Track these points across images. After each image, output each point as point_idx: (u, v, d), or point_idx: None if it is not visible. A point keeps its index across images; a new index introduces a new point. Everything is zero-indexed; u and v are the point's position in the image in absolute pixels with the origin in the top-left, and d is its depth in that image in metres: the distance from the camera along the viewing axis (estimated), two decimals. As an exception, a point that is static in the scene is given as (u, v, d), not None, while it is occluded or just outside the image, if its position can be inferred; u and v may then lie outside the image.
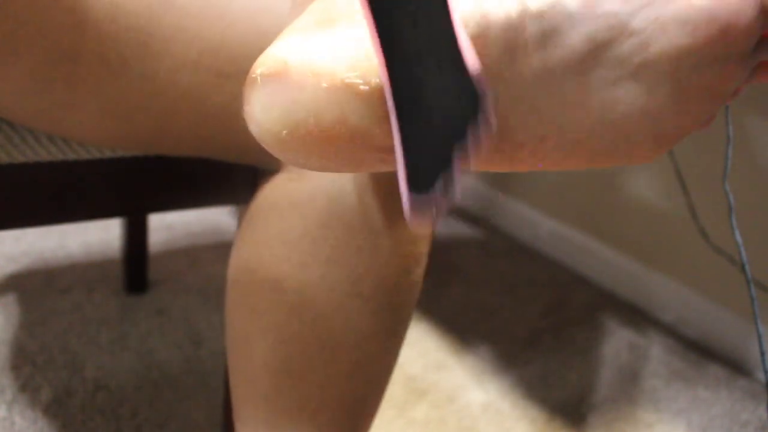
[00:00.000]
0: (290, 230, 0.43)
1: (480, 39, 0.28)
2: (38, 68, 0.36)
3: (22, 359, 0.90)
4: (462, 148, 0.26)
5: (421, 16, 0.25)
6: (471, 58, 0.26)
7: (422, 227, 0.26)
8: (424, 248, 0.46)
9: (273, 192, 0.45)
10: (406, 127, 0.26)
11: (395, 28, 0.25)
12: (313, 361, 0.44)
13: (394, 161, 0.29)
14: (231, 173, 0.54)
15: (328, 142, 0.28)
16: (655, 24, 0.29)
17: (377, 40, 0.25)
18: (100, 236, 1.25)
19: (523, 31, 0.28)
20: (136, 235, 1.05)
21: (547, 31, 0.29)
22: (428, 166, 0.26)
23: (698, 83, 0.30)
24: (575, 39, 0.29)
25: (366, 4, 0.25)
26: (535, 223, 1.51)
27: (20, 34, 0.34)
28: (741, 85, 0.32)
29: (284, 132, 0.28)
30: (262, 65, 0.28)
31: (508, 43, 0.28)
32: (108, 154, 0.48)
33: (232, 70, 0.39)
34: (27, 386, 0.85)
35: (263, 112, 0.28)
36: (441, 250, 1.42)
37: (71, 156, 0.47)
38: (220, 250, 1.26)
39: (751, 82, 0.32)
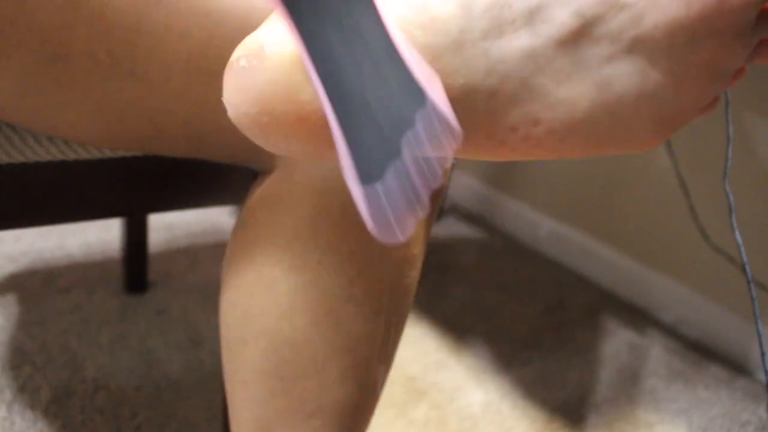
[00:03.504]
0: (282, 232, 0.43)
1: (464, 15, 0.28)
2: (29, 68, 0.36)
3: (22, 359, 0.90)
4: (411, 135, 0.25)
5: (345, 19, 0.25)
6: (406, 51, 0.25)
7: (382, 229, 0.25)
8: (418, 250, 0.45)
9: (264, 193, 0.44)
10: (345, 122, 0.25)
11: (319, 31, 0.25)
12: (306, 365, 0.44)
13: None
14: (231, 173, 0.54)
15: (304, 123, 0.28)
16: None
17: (301, 44, 0.25)
18: (100, 236, 1.25)
19: (510, 6, 0.28)
20: (136, 235, 1.05)
21: (534, 7, 0.28)
22: (375, 156, 0.25)
23: (695, 60, 0.29)
24: (564, 14, 0.28)
25: (284, 12, 0.24)
26: (535, 223, 1.51)
27: (10, 34, 0.34)
28: (742, 65, 0.31)
29: (261, 113, 0.28)
30: (239, 49, 0.28)
31: (493, 19, 0.28)
32: (108, 154, 0.48)
33: (221, 69, 0.39)
34: (27, 386, 0.85)
35: (240, 95, 0.28)
36: (441, 250, 1.42)
37: (71, 156, 0.47)
38: (220, 250, 1.26)
39: (752, 63, 0.31)
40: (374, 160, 0.25)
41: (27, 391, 0.84)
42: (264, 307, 0.43)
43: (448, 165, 0.26)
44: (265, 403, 0.45)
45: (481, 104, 0.28)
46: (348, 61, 0.25)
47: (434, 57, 0.28)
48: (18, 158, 0.45)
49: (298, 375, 0.44)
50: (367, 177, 0.25)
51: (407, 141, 0.25)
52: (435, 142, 0.25)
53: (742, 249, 0.47)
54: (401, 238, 0.25)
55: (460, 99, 0.28)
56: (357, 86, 0.25)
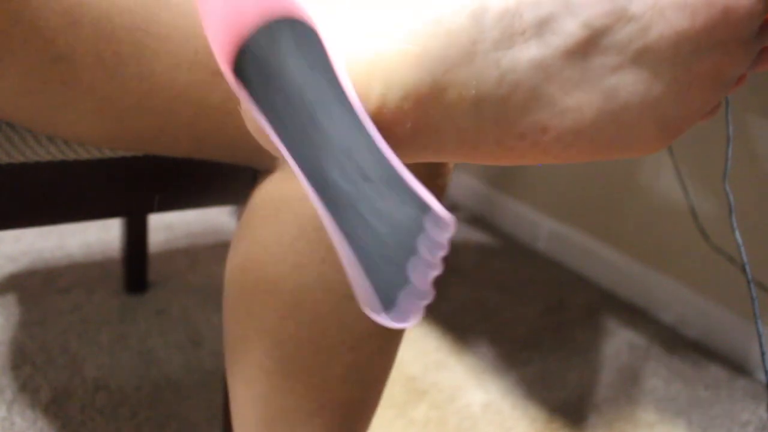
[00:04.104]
0: (285, 231, 0.43)
1: (476, 26, 0.28)
2: (33, 67, 0.36)
3: (22, 359, 0.90)
4: (418, 261, 0.26)
5: (330, 134, 0.26)
6: (406, 176, 0.26)
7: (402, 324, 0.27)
8: None
9: (268, 192, 0.44)
10: (355, 251, 0.26)
11: (306, 148, 0.26)
12: (310, 363, 0.44)
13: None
14: (231, 173, 0.54)
15: None
16: (653, 9, 0.28)
17: (310, 189, 0.26)
18: (100, 236, 1.25)
19: (520, 17, 0.28)
20: (136, 235, 1.05)
21: (543, 18, 0.28)
22: (385, 286, 0.26)
23: (700, 69, 0.30)
24: (573, 26, 0.29)
25: (296, 167, 0.26)
26: (535, 223, 1.51)
27: (15, 33, 0.34)
28: (745, 72, 0.31)
29: None
30: None
31: (504, 30, 0.28)
32: (108, 154, 0.48)
33: None
34: (27, 386, 0.85)
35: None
36: (441, 250, 1.42)
37: (71, 156, 0.47)
38: (220, 250, 1.26)
39: (755, 70, 0.32)
40: (385, 287, 0.26)
41: (27, 391, 0.84)
42: (267, 305, 0.43)
43: (446, 252, 0.28)
44: (267, 401, 0.45)
45: (490, 113, 0.29)
46: (344, 183, 0.26)
47: (447, 68, 0.28)
48: (18, 158, 0.45)
49: (301, 372, 0.44)
50: (381, 307, 0.26)
51: (415, 264, 0.26)
52: (439, 252, 0.26)
53: (742, 249, 0.47)
54: (414, 322, 0.27)
55: (471, 108, 0.29)
56: (358, 207, 0.26)
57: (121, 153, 0.49)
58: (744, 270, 0.46)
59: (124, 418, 0.83)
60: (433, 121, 0.29)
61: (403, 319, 0.26)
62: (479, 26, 0.28)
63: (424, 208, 0.26)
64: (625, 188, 1.34)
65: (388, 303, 0.26)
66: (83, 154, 0.47)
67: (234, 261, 0.46)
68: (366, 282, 0.26)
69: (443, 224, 0.26)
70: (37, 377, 0.87)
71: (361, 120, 0.26)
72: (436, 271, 0.26)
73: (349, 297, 0.43)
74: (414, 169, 0.42)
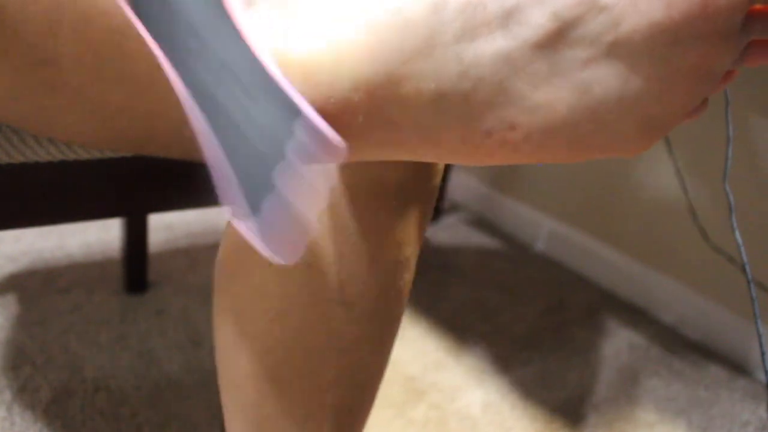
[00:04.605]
0: None
1: (436, 17, 0.27)
2: (17, 73, 0.36)
3: (22, 359, 0.90)
4: (286, 167, 0.25)
5: (209, 44, 0.26)
6: (278, 78, 0.25)
7: (273, 252, 0.26)
8: (411, 253, 0.45)
9: None
10: (221, 150, 0.26)
11: (185, 58, 0.26)
12: (299, 368, 0.43)
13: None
14: (231, 173, 0.54)
15: None
16: None
17: (174, 76, 0.26)
18: (100, 236, 1.25)
19: (484, 8, 0.27)
20: (136, 235, 1.05)
21: (509, 9, 0.27)
22: (251, 190, 0.26)
23: (681, 63, 0.28)
24: (540, 16, 0.27)
25: (151, 40, 0.25)
26: (535, 223, 1.51)
27: None
28: (732, 67, 0.30)
29: None
30: None
31: (467, 21, 0.27)
32: (108, 154, 0.48)
33: None
34: (27, 386, 0.85)
35: None
36: (441, 250, 1.42)
37: (71, 156, 0.47)
38: (220, 250, 1.26)
39: (741, 65, 0.30)
40: (250, 192, 0.26)
41: (27, 391, 0.84)
42: (255, 311, 0.43)
43: (333, 180, 0.26)
44: (257, 406, 0.44)
45: (453, 109, 0.28)
46: (219, 90, 0.26)
47: (403, 61, 0.27)
48: (18, 158, 0.45)
49: (290, 377, 0.43)
50: (245, 210, 0.26)
51: (282, 170, 0.25)
52: (313, 160, 0.25)
53: (742, 249, 0.47)
54: (294, 258, 0.26)
55: (431, 103, 0.28)
56: (230, 113, 0.26)
57: (121, 153, 0.49)
58: (744, 270, 0.46)
59: (124, 418, 0.83)
60: (389, 115, 0.28)
61: (269, 231, 0.25)
62: (439, 17, 0.27)
63: (295, 112, 0.25)
64: (625, 188, 1.34)
65: (253, 208, 0.25)
66: (83, 154, 0.47)
67: (222, 264, 0.46)
68: (232, 185, 0.26)
69: (315, 131, 0.24)
70: (37, 377, 0.87)
71: (239, 31, 0.26)
72: (310, 183, 0.25)
73: (337, 302, 0.43)
74: (402, 171, 0.42)
